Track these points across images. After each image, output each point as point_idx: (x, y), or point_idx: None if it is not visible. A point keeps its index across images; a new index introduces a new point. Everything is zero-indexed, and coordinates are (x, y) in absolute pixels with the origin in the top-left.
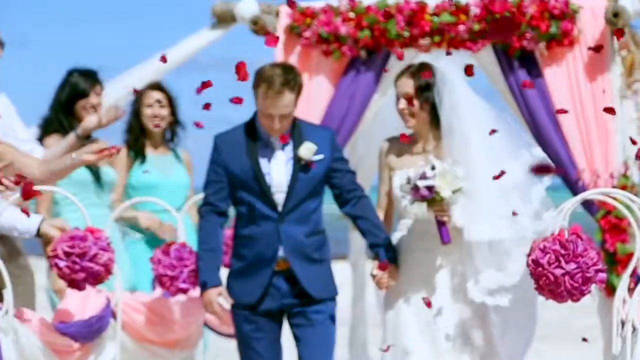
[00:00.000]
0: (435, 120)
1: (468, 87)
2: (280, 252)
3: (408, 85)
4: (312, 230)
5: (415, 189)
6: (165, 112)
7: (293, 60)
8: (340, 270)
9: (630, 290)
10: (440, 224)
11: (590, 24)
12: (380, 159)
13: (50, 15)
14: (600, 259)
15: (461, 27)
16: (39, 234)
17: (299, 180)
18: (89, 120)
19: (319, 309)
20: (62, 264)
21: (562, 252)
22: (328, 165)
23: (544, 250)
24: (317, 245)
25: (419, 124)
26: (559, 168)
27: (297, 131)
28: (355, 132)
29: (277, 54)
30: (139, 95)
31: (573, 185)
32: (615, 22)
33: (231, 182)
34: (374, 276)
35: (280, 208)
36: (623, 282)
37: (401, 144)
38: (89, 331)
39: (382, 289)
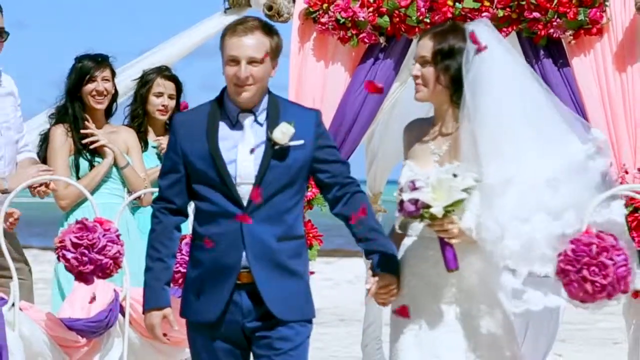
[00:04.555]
0: (457, 97)
1: (513, 60)
2: (244, 260)
3: (426, 47)
4: (285, 233)
5: (400, 202)
6: (173, 102)
7: (309, 47)
8: (355, 267)
9: None
10: (445, 246)
11: (620, 12)
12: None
13: None
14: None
15: (485, 14)
16: None
17: (271, 168)
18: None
19: (287, 334)
20: (69, 255)
21: (611, 243)
22: (311, 155)
23: (588, 245)
24: (292, 253)
25: (435, 98)
26: None
27: (273, 109)
28: (372, 123)
29: (292, 40)
30: (147, 80)
31: None
32: None
33: (188, 173)
34: (368, 290)
35: (245, 203)
36: None
37: (421, 128)
38: (96, 326)
39: (383, 305)
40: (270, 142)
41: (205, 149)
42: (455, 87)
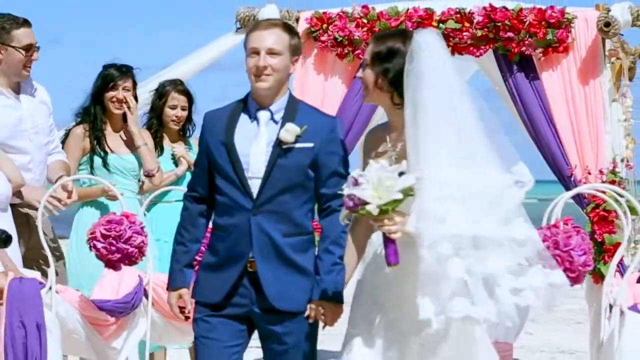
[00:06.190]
0: (397, 98)
1: (452, 69)
2: (252, 251)
3: (368, 51)
4: (292, 230)
5: (343, 197)
6: (185, 113)
7: (310, 61)
8: None
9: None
10: (386, 240)
11: (583, 33)
12: None
13: (82, 16)
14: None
15: (465, 34)
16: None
17: (278, 167)
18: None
19: (293, 329)
20: (99, 245)
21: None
22: (316, 158)
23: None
24: (297, 248)
25: (378, 101)
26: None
27: (291, 110)
28: (365, 130)
29: None
30: (163, 93)
31: (565, 180)
32: (607, 31)
33: (210, 166)
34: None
35: (255, 196)
36: (611, 269)
37: (378, 133)
38: (124, 307)
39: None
40: (278, 141)
41: (222, 140)
42: (393, 89)
